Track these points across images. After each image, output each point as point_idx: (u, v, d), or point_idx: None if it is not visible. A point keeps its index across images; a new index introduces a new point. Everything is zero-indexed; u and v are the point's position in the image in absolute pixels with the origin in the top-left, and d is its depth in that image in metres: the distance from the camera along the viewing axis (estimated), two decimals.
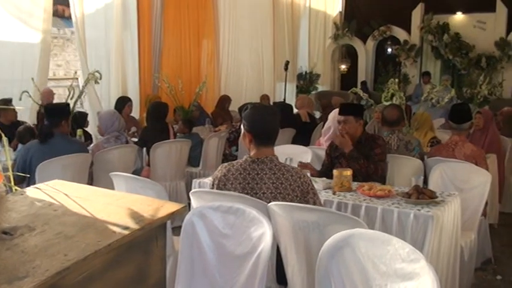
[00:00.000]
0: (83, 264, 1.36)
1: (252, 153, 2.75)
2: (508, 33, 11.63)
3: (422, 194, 2.96)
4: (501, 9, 11.67)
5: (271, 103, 9.18)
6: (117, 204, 1.78)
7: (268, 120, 2.73)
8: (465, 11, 12.19)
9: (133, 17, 7.95)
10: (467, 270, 3.58)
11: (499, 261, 4.32)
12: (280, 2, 11.58)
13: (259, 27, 10.93)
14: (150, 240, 1.64)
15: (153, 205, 1.70)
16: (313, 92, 12.68)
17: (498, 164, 4.87)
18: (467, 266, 3.57)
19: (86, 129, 5.94)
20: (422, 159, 4.13)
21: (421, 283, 1.73)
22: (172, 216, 1.63)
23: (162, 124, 5.55)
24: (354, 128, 3.87)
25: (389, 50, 13.07)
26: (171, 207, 1.66)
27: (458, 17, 12.38)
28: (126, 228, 1.55)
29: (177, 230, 2.66)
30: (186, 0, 9.08)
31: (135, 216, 1.64)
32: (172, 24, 8.79)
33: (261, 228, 2.25)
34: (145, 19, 8.16)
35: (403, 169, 3.88)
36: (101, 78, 6.04)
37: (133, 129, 6.15)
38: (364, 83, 12.76)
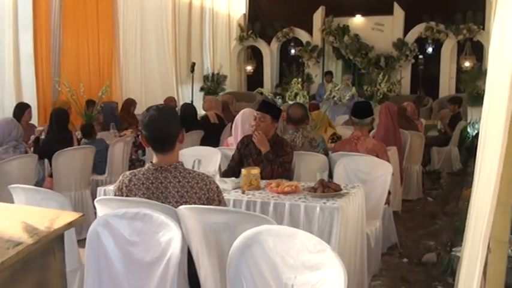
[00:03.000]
0: None
1: (154, 160, 2.61)
2: (405, 35, 12.32)
3: (328, 188, 3.06)
4: (398, 12, 12.36)
5: (179, 105, 9.08)
6: (10, 218, 1.66)
7: (160, 127, 2.53)
8: (364, 13, 12.75)
9: (29, 17, 7.51)
10: (374, 256, 3.77)
11: (405, 245, 4.59)
12: (179, 3, 11.51)
13: (160, 28, 10.83)
14: (47, 254, 1.54)
15: (49, 216, 1.60)
16: (221, 93, 12.73)
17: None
18: (375, 252, 3.76)
19: None
20: (326, 154, 4.27)
21: (328, 272, 1.78)
22: (69, 226, 1.54)
23: (66, 132, 5.29)
24: (267, 128, 3.87)
25: (292, 51, 13.39)
26: (68, 217, 1.57)
27: (358, 19, 12.94)
28: (19, 243, 1.44)
29: (84, 242, 2.53)
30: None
31: (30, 229, 1.53)
32: (71, 25, 8.42)
33: (170, 232, 2.20)
34: (43, 20, 7.73)
35: (309, 165, 3.98)
36: None
37: (33, 137, 5.81)
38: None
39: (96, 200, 2.81)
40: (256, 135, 3.83)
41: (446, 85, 12.09)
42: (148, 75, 10.49)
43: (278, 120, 4.04)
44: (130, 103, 8.07)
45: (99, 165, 5.55)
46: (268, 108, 3.99)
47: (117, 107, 7.92)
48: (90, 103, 7.24)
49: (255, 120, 3.91)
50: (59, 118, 5.30)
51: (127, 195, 2.62)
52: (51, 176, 4.99)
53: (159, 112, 2.55)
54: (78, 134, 5.83)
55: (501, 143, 1.53)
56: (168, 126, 2.55)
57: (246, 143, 4.01)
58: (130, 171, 2.70)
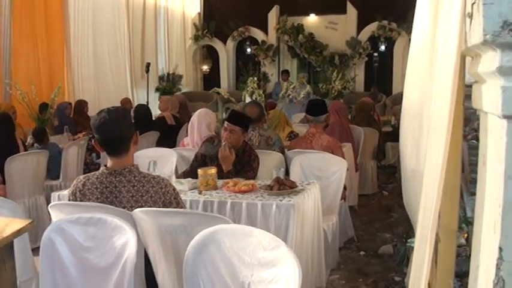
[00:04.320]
0: None
1: (108, 164, 2.56)
2: (358, 33, 12.58)
3: (284, 185, 3.09)
4: (351, 11, 12.59)
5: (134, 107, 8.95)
6: None
7: (112, 129, 2.47)
8: (318, 12, 12.94)
9: None
10: (332, 250, 3.85)
11: (361, 238, 4.70)
12: (133, 1, 11.36)
13: (113, 28, 10.63)
14: None
15: None
16: (178, 93, 12.63)
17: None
18: (332, 246, 3.84)
19: None
20: (282, 152, 4.32)
21: (283, 268, 1.80)
22: (18, 234, 1.50)
23: (9, 138, 5.10)
24: (238, 140, 3.77)
25: (248, 50, 13.43)
26: (17, 224, 1.53)
27: (312, 18, 13.11)
28: None
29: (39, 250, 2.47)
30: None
31: None
32: (21, 25, 8.15)
33: (125, 235, 2.18)
34: None
35: (266, 163, 4.00)
36: None
37: None
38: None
39: (49, 205, 2.75)
40: (222, 150, 3.70)
41: (399, 82, 12.35)
42: (102, 76, 10.28)
43: (248, 130, 3.93)
44: (82, 104, 7.87)
45: (53, 170, 5.41)
46: (239, 119, 3.83)
47: (68, 107, 7.70)
48: (44, 106, 7.03)
49: (225, 132, 3.76)
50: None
51: (81, 200, 2.56)
52: (3, 182, 4.83)
53: (110, 114, 2.49)
54: (30, 138, 5.66)
55: (445, 136, 1.59)
56: (119, 127, 2.50)
57: (212, 145, 3.91)
58: (84, 175, 2.65)
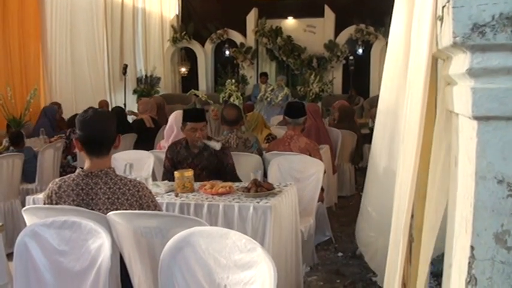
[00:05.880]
0: None
1: (85, 166, 2.54)
2: (336, 36, 12.66)
3: (261, 187, 3.10)
4: (329, 14, 12.68)
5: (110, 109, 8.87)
6: None
7: (99, 128, 2.50)
8: (296, 16, 13.00)
9: None
10: (309, 252, 3.90)
11: (339, 240, 4.73)
12: (111, 2, 11.27)
13: (91, 29, 10.53)
14: None
15: None
16: (155, 96, 12.56)
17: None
18: (309, 248, 3.88)
19: None
20: (261, 154, 4.33)
21: (259, 270, 1.81)
22: None
23: None
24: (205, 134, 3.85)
25: (227, 52, 13.43)
26: None
27: (290, 21, 13.17)
28: None
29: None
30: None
31: None
32: None
33: (99, 239, 2.16)
34: None
35: (244, 165, 4.01)
36: None
37: None
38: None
39: (23, 209, 2.72)
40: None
41: (377, 85, 12.46)
42: (79, 78, 10.16)
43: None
44: (58, 106, 7.78)
45: (29, 173, 5.33)
46: (201, 115, 3.89)
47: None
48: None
49: (196, 132, 3.76)
50: None
51: (57, 203, 2.54)
52: None
53: (100, 113, 2.56)
54: (5, 141, 5.57)
55: (417, 138, 1.61)
56: (110, 126, 2.55)
57: (176, 149, 3.90)
58: (60, 177, 2.64)
